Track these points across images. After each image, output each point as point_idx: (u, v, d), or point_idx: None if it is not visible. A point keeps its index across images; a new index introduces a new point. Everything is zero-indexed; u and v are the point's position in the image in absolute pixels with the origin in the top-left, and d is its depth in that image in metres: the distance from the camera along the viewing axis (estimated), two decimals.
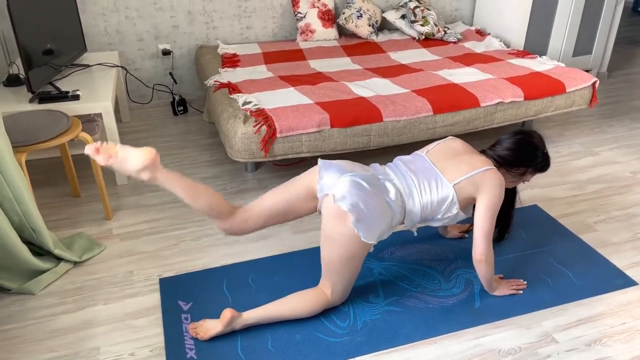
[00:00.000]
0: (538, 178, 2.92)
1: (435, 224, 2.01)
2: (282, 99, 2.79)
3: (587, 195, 2.77)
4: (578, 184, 2.88)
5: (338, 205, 1.77)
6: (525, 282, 2.15)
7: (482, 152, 2.04)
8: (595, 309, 2.03)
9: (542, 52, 4.04)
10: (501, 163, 2.00)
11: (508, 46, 3.91)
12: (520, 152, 2.00)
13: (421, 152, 2.04)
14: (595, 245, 2.38)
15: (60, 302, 2.07)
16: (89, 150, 1.70)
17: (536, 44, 4.01)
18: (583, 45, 4.15)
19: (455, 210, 1.93)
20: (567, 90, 3.06)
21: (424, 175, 1.93)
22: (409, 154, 2.10)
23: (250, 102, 2.74)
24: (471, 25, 4.38)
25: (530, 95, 2.97)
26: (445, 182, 1.91)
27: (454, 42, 3.87)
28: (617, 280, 2.17)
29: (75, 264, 2.27)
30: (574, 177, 2.95)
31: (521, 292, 2.10)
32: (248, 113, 2.64)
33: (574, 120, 3.68)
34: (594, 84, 3.13)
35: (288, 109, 2.67)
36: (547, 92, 3.02)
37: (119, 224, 2.54)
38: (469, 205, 1.98)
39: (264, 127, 2.55)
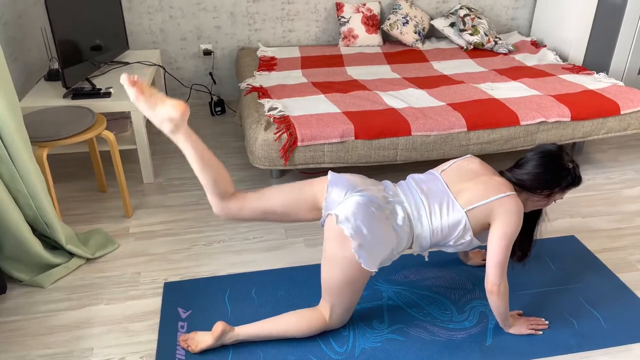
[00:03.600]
0: (580, 207, 2.69)
1: (448, 250, 1.87)
2: (309, 107, 2.71)
3: (634, 230, 2.52)
4: (625, 216, 2.62)
5: (341, 228, 1.68)
6: (546, 322, 1.96)
7: (501, 173, 1.87)
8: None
9: (603, 68, 3.75)
10: (522, 187, 1.82)
11: (565, 60, 3.65)
12: (542, 175, 1.80)
13: (436, 172, 1.90)
14: (634, 287, 2.15)
15: (66, 297, 2.09)
16: (124, 79, 1.67)
17: (597, 59, 3.72)
18: None
19: (468, 237, 1.78)
20: (622, 112, 2.80)
21: (435, 197, 1.79)
22: (423, 172, 1.96)
23: (276, 108, 2.68)
24: (528, 36, 4.14)
25: (578, 115, 2.74)
26: (457, 207, 1.76)
27: (505, 54, 3.65)
28: None
29: (88, 260, 2.30)
30: (622, 207, 2.69)
31: (540, 332, 1.92)
32: (271, 119, 2.58)
33: (633, 144, 3.38)
34: None
35: (313, 117, 2.59)
36: (598, 113, 2.77)
37: (137, 223, 2.56)
38: (484, 231, 1.82)
39: (285, 135, 2.48)
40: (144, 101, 1.67)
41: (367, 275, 1.76)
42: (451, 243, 1.82)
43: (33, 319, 1.99)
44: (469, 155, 1.94)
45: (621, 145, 3.35)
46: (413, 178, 1.90)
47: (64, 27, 2.62)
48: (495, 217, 1.74)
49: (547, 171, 1.79)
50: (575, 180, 1.81)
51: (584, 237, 2.46)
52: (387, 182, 1.90)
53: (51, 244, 2.26)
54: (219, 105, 3.72)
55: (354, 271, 1.72)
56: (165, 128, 1.71)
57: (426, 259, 2.01)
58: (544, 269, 2.24)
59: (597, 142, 3.38)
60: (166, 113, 1.67)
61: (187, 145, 1.74)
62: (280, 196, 1.85)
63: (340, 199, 1.77)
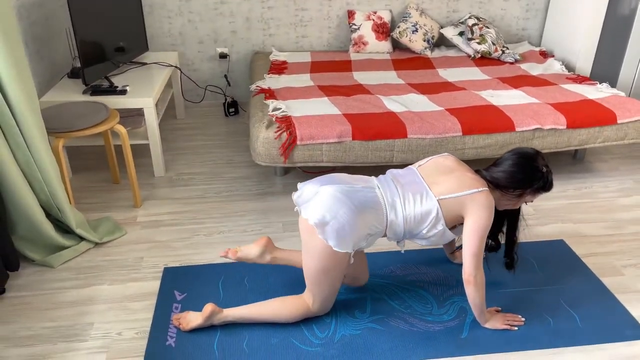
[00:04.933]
0: (574, 213, 2.74)
1: (422, 242, 1.95)
2: (311, 108, 2.84)
3: (624, 237, 2.56)
4: (617, 223, 2.66)
5: (305, 219, 1.80)
6: (523, 319, 2.03)
7: (477, 171, 1.96)
8: (593, 358, 1.88)
9: (611, 79, 3.78)
10: (495, 185, 1.91)
11: (572, 70, 3.70)
12: (515, 174, 1.88)
13: (413, 167, 2.00)
14: (615, 290, 2.20)
15: (73, 277, 2.26)
16: (221, 253, 2.13)
17: (605, 70, 3.76)
18: None
19: (440, 226, 1.87)
20: (619, 121, 2.84)
21: (410, 188, 1.89)
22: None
23: (279, 109, 2.82)
24: (538, 46, 4.18)
25: (574, 123, 2.80)
26: (430, 195, 1.86)
27: (511, 63, 3.72)
28: (628, 330, 1.99)
29: (96, 244, 2.46)
30: (615, 215, 2.73)
31: (516, 328, 2.00)
32: (273, 119, 2.72)
33: (635, 154, 3.40)
34: None
35: (313, 117, 2.71)
36: (595, 121, 2.82)
37: (145, 213, 2.72)
38: (459, 226, 1.91)
39: (285, 134, 2.61)
40: (243, 256, 2.13)
41: (343, 261, 1.85)
42: (424, 232, 1.89)
43: (41, 295, 2.16)
44: (446, 153, 2.04)
45: (623, 156, 3.37)
46: (391, 172, 2.00)
47: (86, 29, 2.82)
48: (468, 211, 1.83)
49: (521, 171, 1.88)
50: (547, 185, 1.89)
51: (572, 242, 2.51)
52: (363, 176, 1.98)
53: (63, 228, 2.43)
54: (232, 106, 3.88)
55: (328, 258, 1.82)
56: (267, 259, 2.14)
57: (402, 251, 2.11)
58: (528, 270, 2.30)
59: (599, 152, 3.41)
60: (254, 253, 2.12)
61: (291, 264, 2.18)
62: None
63: (311, 195, 1.87)
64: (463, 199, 1.83)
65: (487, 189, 1.85)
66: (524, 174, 1.87)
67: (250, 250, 2.11)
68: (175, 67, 3.54)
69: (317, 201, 1.81)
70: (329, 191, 1.82)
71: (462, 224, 1.89)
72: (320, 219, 1.76)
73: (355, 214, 1.80)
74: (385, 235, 1.92)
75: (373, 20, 3.84)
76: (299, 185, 1.93)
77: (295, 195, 1.92)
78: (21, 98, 2.06)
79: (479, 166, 2.04)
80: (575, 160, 3.30)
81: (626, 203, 2.84)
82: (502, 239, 2.14)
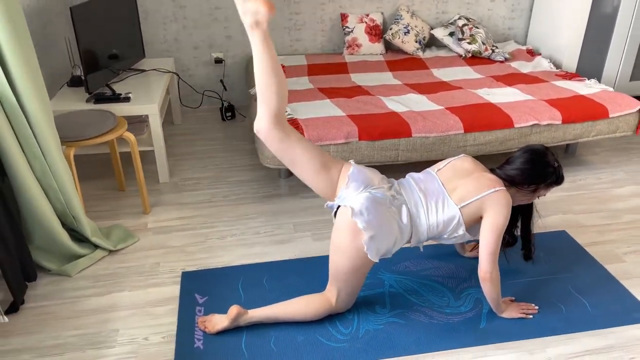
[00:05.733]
0: (572, 205, 2.85)
1: (443, 242, 2.04)
2: (316, 110, 2.89)
3: (621, 225, 2.68)
4: (614, 213, 2.78)
5: (355, 221, 1.84)
6: (536, 307, 2.12)
7: (492, 170, 2.04)
8: (605, 341, 1.97)
9: (596, 75, 3.92)
10: (511, 182, 1.99)
11: (558, 67, 3.83)
12: (529, 171, 1.98)
13: (432, 171, 2.07)
14: (619, 277, 2.30)
15: (91, 285, 2.27)
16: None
17: (590, 66, 3.90)
18: None
19: (461, 231, 1.95)
20: (610, 116, 2.97)
21: (432, 196, 1.96)
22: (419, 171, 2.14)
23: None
24: (524, 44, 4.32)
25: (569, 118, 2.91)
26: (452, 204, 1.93)
27: (501, 61, 3.83)
28: (636, 313, 2.10)
29: (110, 252, 2.47)
30: (611, 205, 2.85)
31: (531, 316, 2.08)
32: None
33: (624, 147, 3.54)
34: None
35: (319, 119, 2.77)
36: (588, 116, 2.94)
37: (155, 219, 2.73)
38: (476, 225, 1.99)
39: None
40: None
41: (371, 264, 1.92)
42: (445, 236, 1.99)
43: (62, 304, 2.16)
44: (462, 155, 2.12)
45: (612, 149, 3.51)
46: (412, 177, 2.07)
47: (88, 37, 2.82)
48: (487, 211, 1.91)
49: (534, 167, 1.97)
50: (559, 179, 2.00)
51: (574, 232, 2.62)
52: (393, 181, 2.06)
53: (76, 237, 2.43)
54: (229, 110, 3.91)
55: (361, 260, 1.88)
56: (247, 20, 1.73)
57: (421, 250, 2.18)
58: (536, 260, 2.39)
59: (589, 145, 3.55)
60: (254, 5, 1.70)
61: (261, 45, 1.75)
62: (313, 152, 1.91)
63: (355, 193, 1.91)
64: (482, 200, 1.91)
65: (504, 187, 1.93)
66: (537, 170, 1.97)
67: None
68: (174, 73, 3.55)
69: (366, 204, 1.83)
70: (378, 199, 1.86)
71: (479, 222, 1.97)
72: (370, 224, 1.81)
73: (395, 228, 1.87)
74: (409, 242, 1.99)
75: (366, 22, 3.91)
76: (350, 177, 1.93)
77: (344, 188, 1.92)
78: (37, 108, 2.07)
79: (480, 162, 2.12)
80: (568, 154, 3.42)
81: (620, 193, 2.97)
82: (516, 232, 2.23)
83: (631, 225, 2.68)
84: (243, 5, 1.73)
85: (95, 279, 2.30)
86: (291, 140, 1.88)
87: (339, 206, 1.93)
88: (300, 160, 1.91)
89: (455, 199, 1.94)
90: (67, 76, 3.35)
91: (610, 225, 2.67)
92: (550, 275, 2.31)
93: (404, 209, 1.92)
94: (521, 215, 2.14)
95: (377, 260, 1.88)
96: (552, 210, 2.80)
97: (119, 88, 3.11)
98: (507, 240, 2.20)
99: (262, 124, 1.85)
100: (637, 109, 3.00)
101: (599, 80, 3.93)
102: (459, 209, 1.92)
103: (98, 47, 2.94)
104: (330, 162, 1.96)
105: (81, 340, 1.97)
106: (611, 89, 3.20)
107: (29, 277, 2.22)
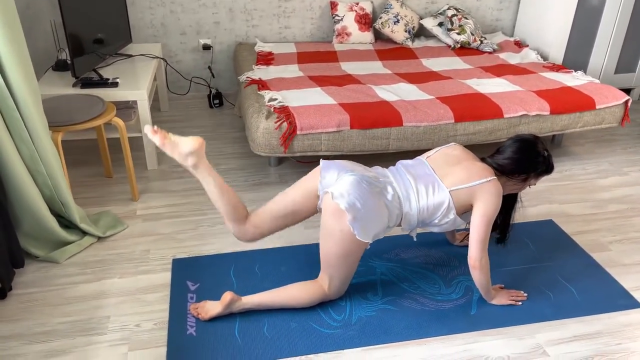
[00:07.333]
0: (558, 195, 2.90)
1: (434, 229, 2.05)
2: (307, 98, 2.88)
3: (607, 215, 2.73)
4: (599, 203, 2.83)
5: (336, 203, 1.84)
6: (525, 294, 2.15)
7: (483, 159, 2.06)
8: (593, 327, 2.02)
9: (582, 67, 3.97)
10: (502, 171, 2.01)
11: (545, 59, 3.87)
12: (520, 160, 2.00)
13: (422, 158, 2.08)
14: (605, 265, 2.35)
15: (80, 272, 2.24)
16: (147, 130, 1.89)
17: (576, 58, 3.94)
18: (626, 62, 4.04)
19: (452, 215, 1.96)
20: (597, 107, 3.01)
21: (422, 180, 1.97)
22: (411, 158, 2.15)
23: (275, 99, 2.84)
24: (512, 36, 4.35)
25: (556, 109, 2.95)
26: (442, 187, 1.94)
27: (489, 52, 3.85)
28: (622, 300, 2.15)
29: (99, 238, 2.44)
30: (596, 195, 2.91)
31: (520, 303, 2.11)
32: (272, 109, 2.74)
33: (608, 138, 3.60)
34: (626, 102, 3.07)
35: (311, 107, 2.76)
36: (575, 107, 2.98)
37: (144, 206, 2.70)
38: (467, 213, 2.00)
39: (285, 124, 2.64)
40: (168, 144, 1.90)
41: (362, 248, 1.92)
42: (436, 221, 2.00)
43: (50, 290, 2.13)
44: (453, 143, 2.13)
45: (597, 140, 3.57)
46: (402, 163, 2.08)
47: (75, 20, 2.76)
48: (478, 199, 1.93)
49: (525, 157, 2.00)
50: (549, 168, 2.02)
51: (561, 221, 2.66)
52: (378, 167, 2.07)
53: (65, 223, 2.40)
54: (217, 98, 3.87)
55: (350, 244, 1.88)
56: (190, 162, 1.93)
57: (414, 239, 2.19)
58: (524, 249, 2.43)
59: (575, 136, 3.60)
60: (187, 148, 1.90)
61: (207, 177, 1.96)
62: (287, 197, 2.03)
63: (333, 180, 1.93)
64: (473, 189, 1.92)
65: (495, 177, 1.95)
66: (528, 159, 1.99)
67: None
68: (162, 59, 3.50)
69: (346, 186, 1.85)
70: (357, 179, 1.87)
71: (470, 210, 1.98)
72: (351, 204, 1.82)
73: (381, 206, 1.87)
74: (399, 225, 2.00)
75: (355, 11, 3.90)
76: (322, 170, 1.98)
77: (321, 181, 1.96)
78: (26, 91, 2.02)
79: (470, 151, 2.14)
80: (554, 145, 3.47)
81: (605, 184, 3.02)
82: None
83: (616, 215, 2.73)
84: (179, 153, 1.91)
85: (84, 266, 2.27)
86: (263, 216, 2.05)
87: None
88: (290, 215, 2.04)
89: (446, 184, 1.95)
90: (51, 60, 3.29)
91: (596, 215, 2.72)
92: (538, 263, 2.35)
93: (389, 188, 1.93)
94: (506, 201, 2.16)
95: (367, 241, 1.88)
96: (539, 200, 2.84)
97: (106, 73, 3.05)
98: (496, 232, 2.20)
99: (236, 231, 2.05)
100: (623, 100, 3.05)
101: (585, 73, 3.98)
102: (450, 192, 1.94)
103: (85, 31, 2.88)
104: (307, 181, 2.02)
105: (71, 327, 1.95)
106: (597, 81, 3.24)
107: (17, 264, 2.18)
